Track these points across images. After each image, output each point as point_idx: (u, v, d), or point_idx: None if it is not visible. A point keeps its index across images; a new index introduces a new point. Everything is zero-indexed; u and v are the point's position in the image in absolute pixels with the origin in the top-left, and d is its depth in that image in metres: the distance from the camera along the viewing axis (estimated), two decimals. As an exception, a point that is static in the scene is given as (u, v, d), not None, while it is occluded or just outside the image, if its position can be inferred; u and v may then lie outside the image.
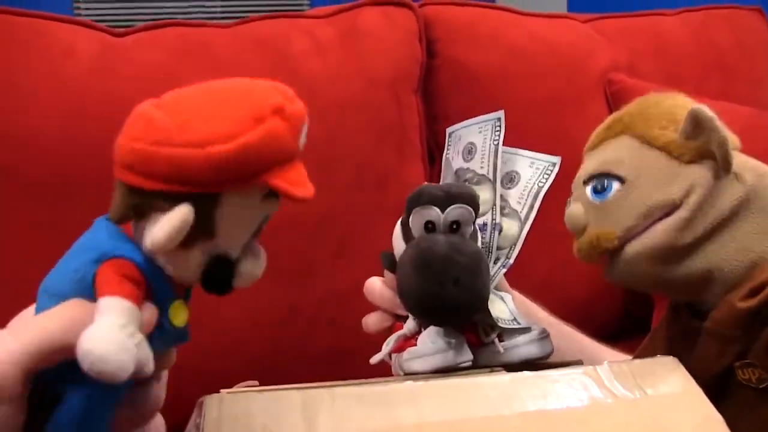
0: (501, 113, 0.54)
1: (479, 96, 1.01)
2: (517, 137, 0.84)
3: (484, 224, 0.51)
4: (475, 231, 0.49)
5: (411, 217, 0.48)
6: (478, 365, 0.49)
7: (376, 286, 0.55)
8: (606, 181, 0.54)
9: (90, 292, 0.34)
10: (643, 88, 1.11)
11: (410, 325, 0.51)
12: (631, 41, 1.17)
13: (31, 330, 0.33)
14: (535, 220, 1.05)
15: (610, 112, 1.12)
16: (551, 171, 0.52)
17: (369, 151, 0.89)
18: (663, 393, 0.41)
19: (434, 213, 0.47)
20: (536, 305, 0.68)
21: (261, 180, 0.34)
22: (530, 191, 0.52)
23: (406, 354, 0.50)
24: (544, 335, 0.49)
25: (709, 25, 1.26)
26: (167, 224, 0.33)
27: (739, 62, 1.24)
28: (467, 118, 0.60)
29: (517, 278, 1.00)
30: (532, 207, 0.51)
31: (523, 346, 0.48)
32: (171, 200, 0.33)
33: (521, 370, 0.44)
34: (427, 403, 0.39)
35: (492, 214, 0.51)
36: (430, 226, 0.48)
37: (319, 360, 0.85)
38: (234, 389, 0.45)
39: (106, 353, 0.30)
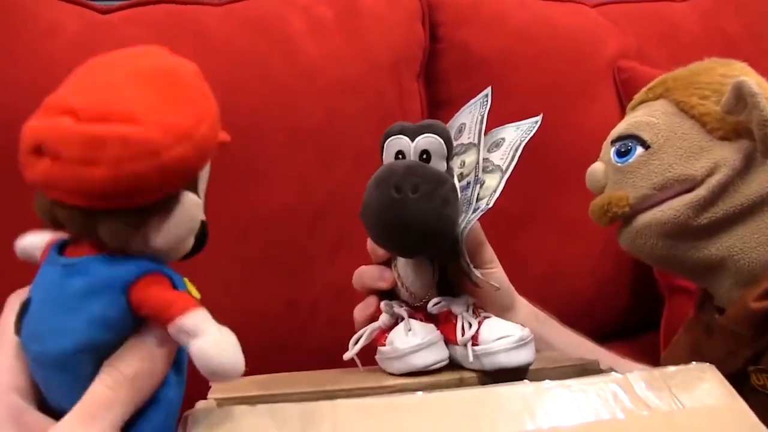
0: (488, 90, 0.56)
1: (483, 81, 0.95)
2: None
3: (468, 184, 0.50)
4: (449, 170, 0.48)
5: (384, 151, 0.48)
6: (455, 365, 0.46)
7: (360, 267, 0.53)
8: (630, 144, 0.51)
9: (117, 328, 0.32)
10: (654, 76, 1.08)
11: (384, 317, 0.49)
12: (640, 27, 1.13)
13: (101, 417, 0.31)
14: (537, 211, 1.00)
15: (620, 99, 1.09)
16: (533, 128, 0.52)
17: (369, 139, 0.84)
18: (702, 405, 0.37)
19: (404, 142, 0.47)
20: (546, 314, 0.65)
21: (218, 140, 0.34)
22: (512, 146, 0.51)
23: (377, 353, 0.47)
24: (524, 342, 0.44)
25: (718, 12, 1.22)
26: (184, 224, 0.33)
27: (749, 50, 1.21)
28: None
29: (520, 272, 0.97)
30: (513, 158, 0.50)
31: (498, 354, 0.44)
32: (172, 198, 0.32)
33: (498, 377, 0.41)
34: (441, 418, 0.34)
35: (475, 173, 0.50)
36: (400, 157, 0.47)
37: (318, 357, 0.81)
38: (219, 388, 0.42)
39: (233, 360, 0.33)
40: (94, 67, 0.33)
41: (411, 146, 0.47)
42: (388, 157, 0.48)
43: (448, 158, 0.48)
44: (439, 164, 0.47)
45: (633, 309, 1.06)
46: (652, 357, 0.97)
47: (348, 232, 0.83)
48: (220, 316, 0.80)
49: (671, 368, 0.40)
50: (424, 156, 0.47)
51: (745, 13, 1.24)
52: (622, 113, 1.06)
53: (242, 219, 0.78)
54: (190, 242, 0.35)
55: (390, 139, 0.48)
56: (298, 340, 0.82)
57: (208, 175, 0.36)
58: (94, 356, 0.32)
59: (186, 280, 0.35)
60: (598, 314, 1.04)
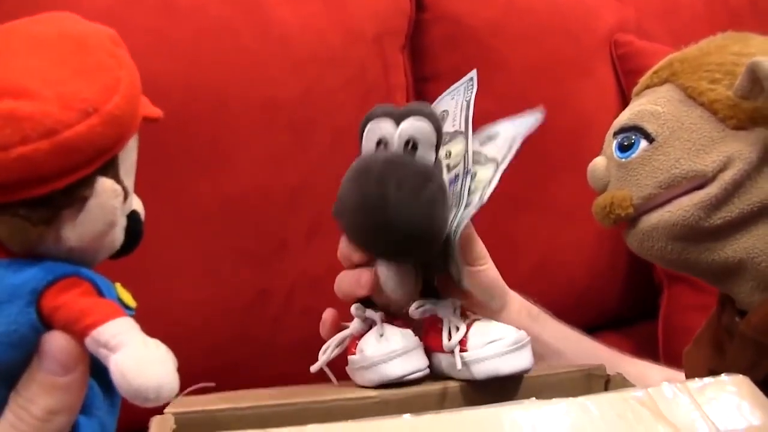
0: (473, 72, 0.51)
1: (473, 55, 0.91)
2: (515, 101, 0.73)
3: (456, 176, 0.45)
4: (438, 162, 0.43)
5: (363, 138, 0.42)
6: (440, 376, 0.42)
7: (340, 273, 0.48)
8: (633, 137, 0.45)
9: (26, 345, 0.28)
10: (653, 50, 1.02)
11: (356, 323, 0.44)
12: (639, 0, 1.07)
13: None
14: (531, 198, 0.93)
15: (616, 75, 1.03)
16: (533, 123, 0.47)
17: (349, 114, 0.79)
18: (737, 426, 0.32)
19: (387, 126, 0.41)
20: (540, 308, 0.60)
21: (140, 116, 0.30)
22: (509, 138, 0.46)
23: (348, 364, 0.43)
24: (519, 345, 0.40)
25: (721, -15, 1.16)
26: (100, 217, 0.29)
27: (753, 25, 1.15)
28: (459, 79, 0.53)
29: (513, 258, 0.91)
30: (510, 149, 0.45)
31: (490, 360, 0.39)
32: (83, 185, 0.28)
33: (489, 388, 0.37)
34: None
35: (464, 164, 0.45)
36: (381, 146, 0.41)
37: (290, 351, 0.76)
38: (180, 403, 0.36)
39: (158, 379, 0.27)
40: None
41: (395, 133, 0.41)
42: (367, 144, 0.42)
43: (437, 148, 0.43)
44: (428, 154, 0.42)
45: (629, 297, 1.03)
46: (649, 347, 0.92)
47: (325, 216, 0.76)
48: (184, 308, 0.74)
49: (698, 382, 0.34)
50: (410, 145, 0.41)
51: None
52: (619, 90, 1.02)
53: (208, 202, 0.73)
54: (116, 238, 0.30)
55: (371, 123, 0.42)
56: (271, 333, 0.77)
57: (134, 158, 0.32)
58: (1, 378, 0.28)
59: (118, 285, 0.30)
60: (594, 303, 1.00)
